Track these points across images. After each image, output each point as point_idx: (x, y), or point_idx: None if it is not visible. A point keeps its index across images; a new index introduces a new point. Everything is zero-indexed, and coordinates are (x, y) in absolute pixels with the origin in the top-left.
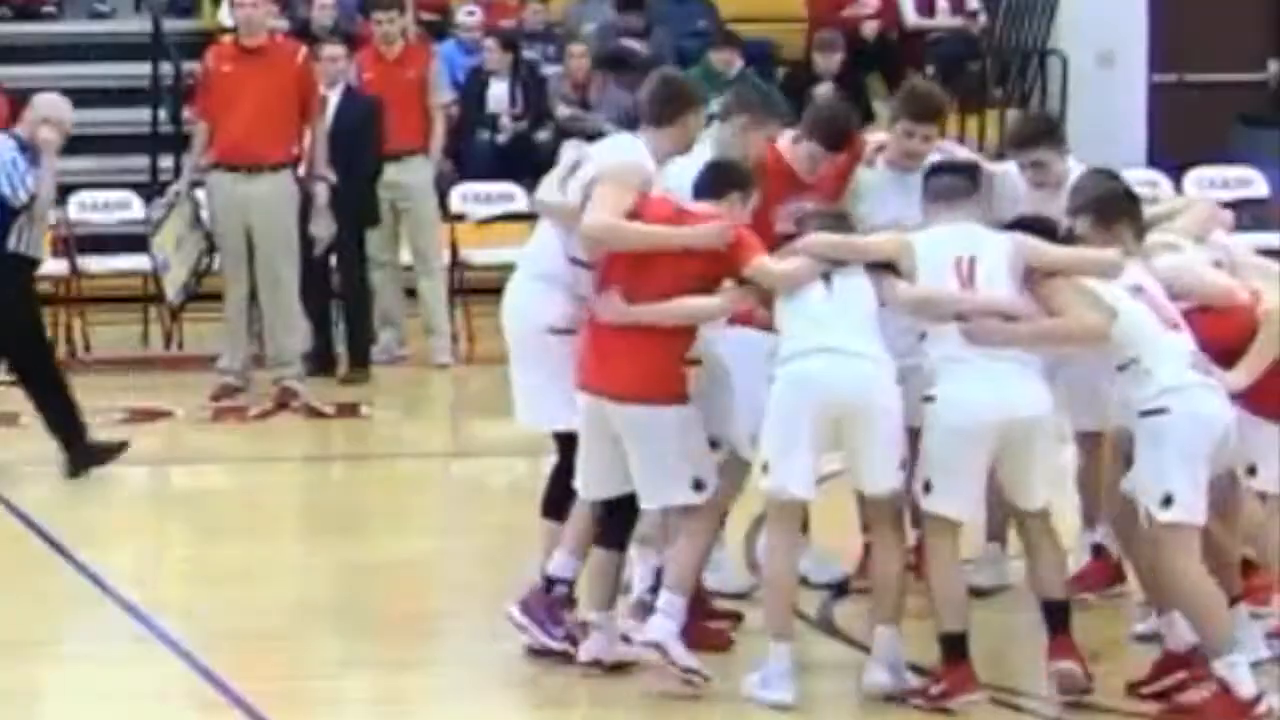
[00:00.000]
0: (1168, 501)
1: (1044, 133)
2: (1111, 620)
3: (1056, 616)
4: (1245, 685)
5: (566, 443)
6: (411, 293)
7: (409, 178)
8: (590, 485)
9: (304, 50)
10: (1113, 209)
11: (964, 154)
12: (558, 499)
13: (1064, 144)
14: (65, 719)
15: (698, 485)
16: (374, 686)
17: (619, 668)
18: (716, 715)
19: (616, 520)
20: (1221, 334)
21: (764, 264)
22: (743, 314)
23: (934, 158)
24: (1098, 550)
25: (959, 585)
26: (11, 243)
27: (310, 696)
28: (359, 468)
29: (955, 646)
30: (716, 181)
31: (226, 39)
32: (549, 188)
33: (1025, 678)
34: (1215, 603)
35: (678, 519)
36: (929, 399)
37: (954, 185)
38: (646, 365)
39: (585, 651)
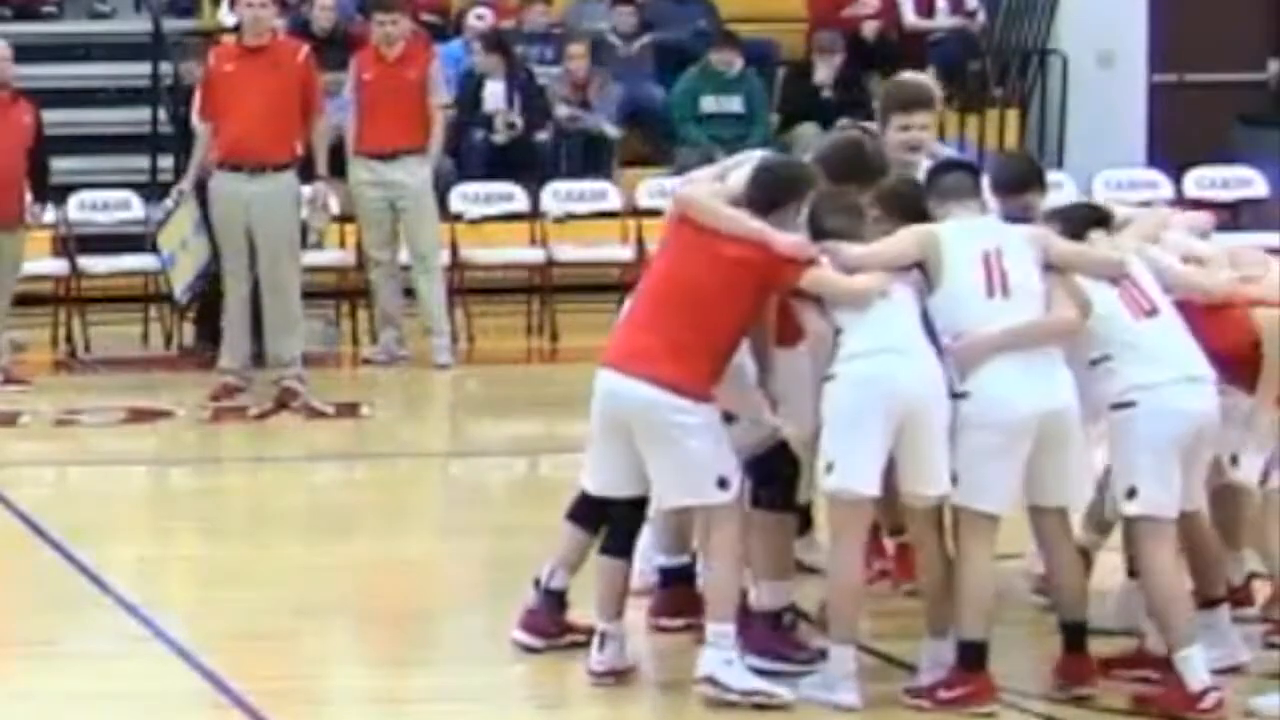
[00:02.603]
0: (1131, 494)
1: (1033, 179)
2: None
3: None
4: (1196, 677)
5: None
6: (410, 292)
7: (407, 177)
8: (608, 485)
9: (306, 49)
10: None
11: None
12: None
13: (1046, 185)
14: (65, 719)
15: (722, 483)
16: (373, 686)
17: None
18: (721, 713)
19: (622, 526)
20: (1220, 338)
21: (827, 278)
22: None
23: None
24: None
25: (988, 592)
26: None
27: (310, 696)
28: (359, 468)
29: (974, 654)
30: (774, 190)
31: (229, 39)
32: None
33: (1023, 676)
34: (1178, 596)
35: (704, 530)
36: (961, 395)
37: (963, 182)
38: (689, 360)
39: (599, 664)
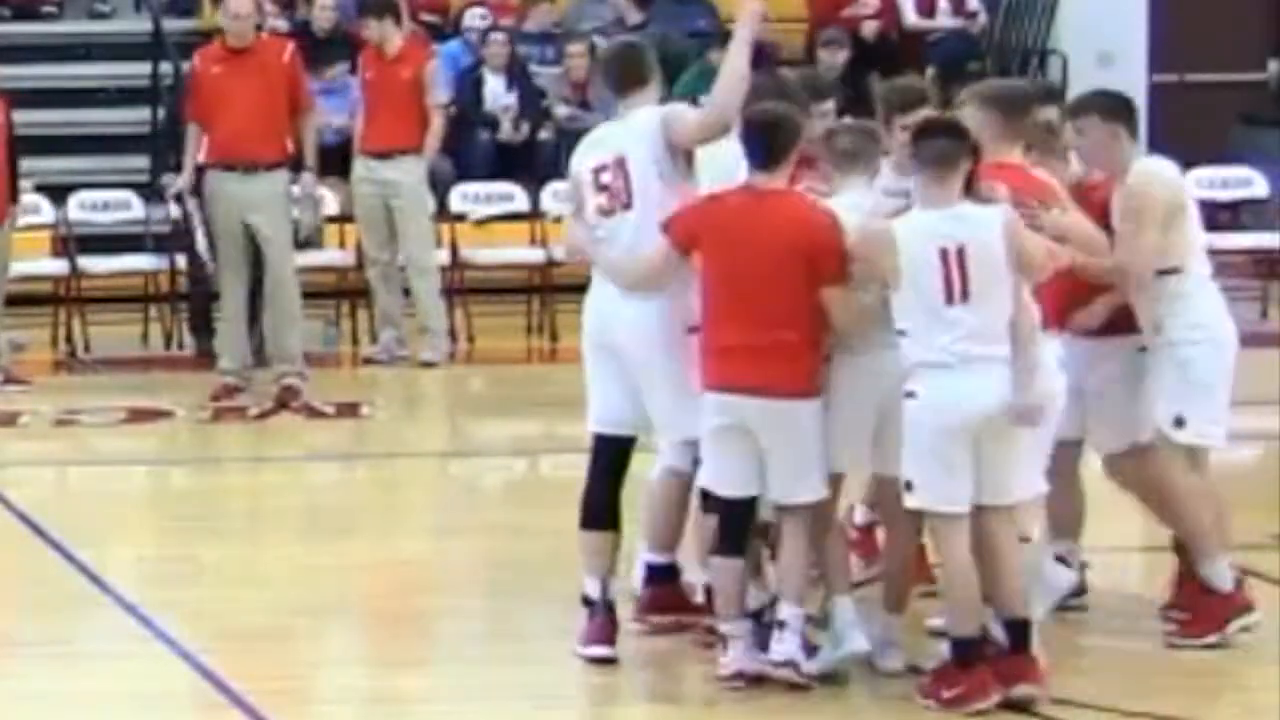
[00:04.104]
0: None
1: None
2: (1085, 628)
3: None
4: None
5: (622, 447)
6: (409, 291)
7: (401, 176)
8: (733, 484)
9: (290, 47)
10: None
11: None
12: (610, 508)
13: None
14: (65, 718)
15: (825, 481)
16: (373, 686)
17: (620, 662)
18: (723, 710)
19: (738, 525)
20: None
21: (847, 304)
22: None
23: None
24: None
25: (971, 587)
26: None
27: (309, 696)
28: (359, 468)
29: (968, 651)
30: (772, 142)
31: (214, 41)
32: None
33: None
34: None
35: (784, 521)
36: (910, 395)
37: (948, 150)
38: (795, 360)
39: (726, 666)
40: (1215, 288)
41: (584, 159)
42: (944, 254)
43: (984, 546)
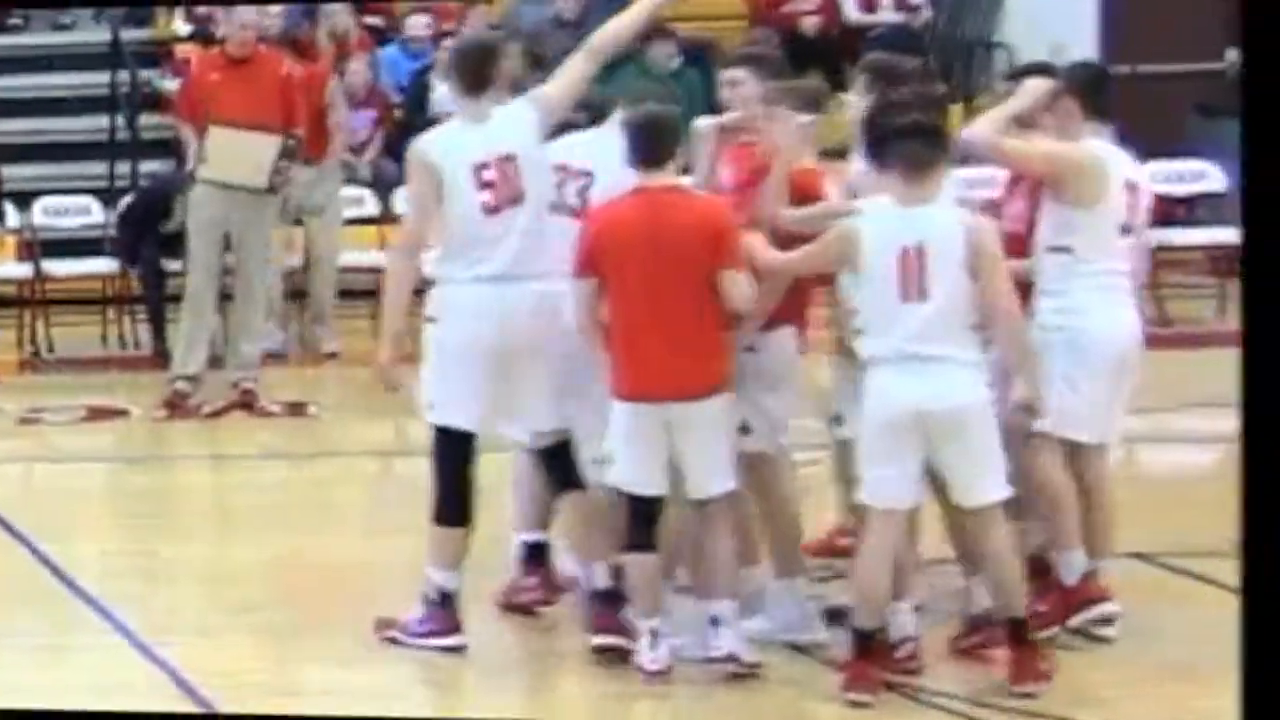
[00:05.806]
0: None
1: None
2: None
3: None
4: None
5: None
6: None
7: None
8: (647, 484)
9: (289, 64)
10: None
11: None
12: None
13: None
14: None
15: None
16: (324, 679)
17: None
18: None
19: (649, 523)
20: None
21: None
22: None
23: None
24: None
25: (878, 582)
26: None
27: (262, 688)
28: (309, 466)
29: (861, 641)
30: (663, 142)
31: (186, 47)
32: None
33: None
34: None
35: (699, 518)
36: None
37: (924, 155)
38: (710, 358)
39: (654, 662)
40: (1112, 287)
41: (450, 156)
42: (904, 251)
43: (975, 550)
